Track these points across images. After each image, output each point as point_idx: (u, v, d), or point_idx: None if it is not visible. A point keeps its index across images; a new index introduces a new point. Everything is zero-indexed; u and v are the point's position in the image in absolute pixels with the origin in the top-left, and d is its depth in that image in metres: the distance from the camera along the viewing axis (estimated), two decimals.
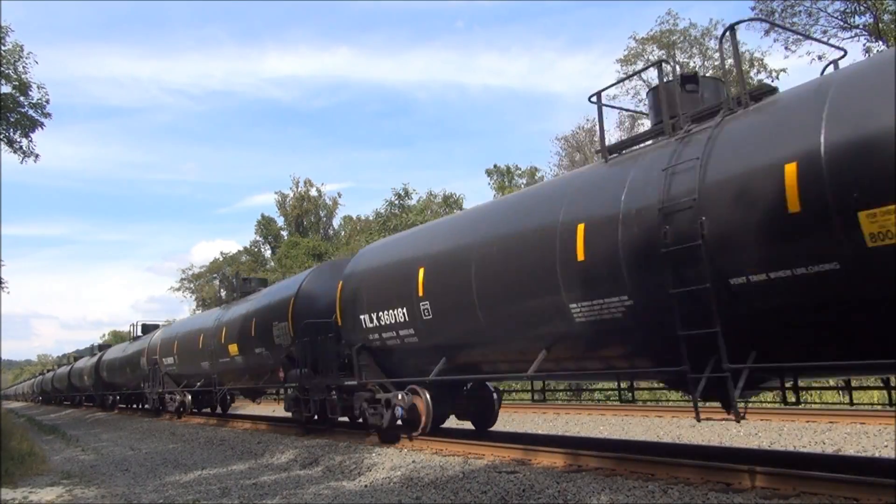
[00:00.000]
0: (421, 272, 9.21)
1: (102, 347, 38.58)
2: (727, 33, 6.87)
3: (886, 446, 9.23)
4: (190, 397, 20.87)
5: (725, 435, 11.23)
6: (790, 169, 5.11)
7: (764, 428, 11.48)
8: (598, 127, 8.33)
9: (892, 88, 4.72)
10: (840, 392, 15.77)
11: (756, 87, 6.78)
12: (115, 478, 9.98)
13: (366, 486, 7.80)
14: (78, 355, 45.41)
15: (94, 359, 34.15)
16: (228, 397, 21.58)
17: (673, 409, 14.81)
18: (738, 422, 6.28)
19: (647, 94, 8.13)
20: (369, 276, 10.64)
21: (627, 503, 5.67)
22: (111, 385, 30.94)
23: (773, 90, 6.59)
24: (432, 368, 9.39)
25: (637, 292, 6.31)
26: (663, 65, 7.59)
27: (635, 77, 28.96)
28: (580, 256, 6.75)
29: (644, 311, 6.32)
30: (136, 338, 28.10)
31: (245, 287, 18.40)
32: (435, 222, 11.55)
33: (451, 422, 11.81)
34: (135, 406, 29.89)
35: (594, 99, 7.74)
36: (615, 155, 7.56)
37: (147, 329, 28.53)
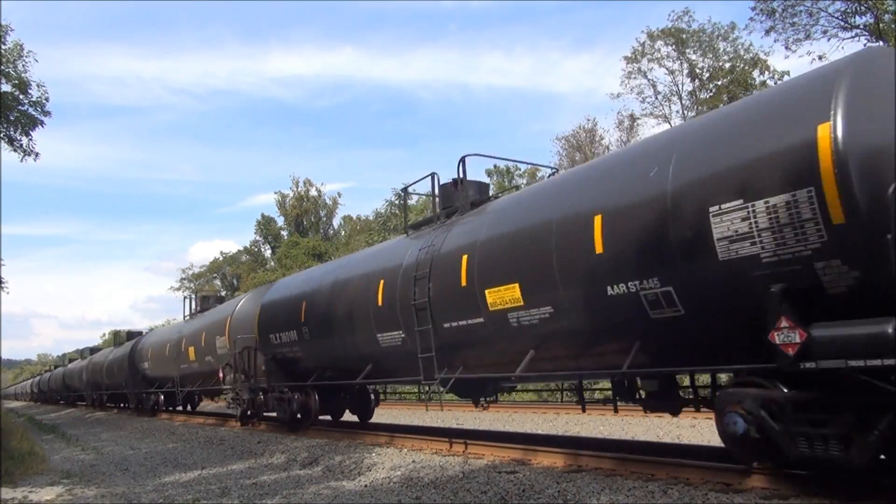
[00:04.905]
0: None
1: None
2: None
3: None
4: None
5: None
6: (466, 260, 8.32)
7: None
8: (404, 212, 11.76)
9: None
10: None
11: (474, 202, 9.75)
12: (115, 477, 9.98)
13: (366, 485, 7.79)
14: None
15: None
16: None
17: None
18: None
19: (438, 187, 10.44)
20: None
21: (627, 503, 5.66)
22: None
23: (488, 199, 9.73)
24: None
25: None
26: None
27: (640, 76, 31.31)
28: None
29: None
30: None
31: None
32: None
33: (444, 421, 11.75)
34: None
35: (400, 192, 10.40)
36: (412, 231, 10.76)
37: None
